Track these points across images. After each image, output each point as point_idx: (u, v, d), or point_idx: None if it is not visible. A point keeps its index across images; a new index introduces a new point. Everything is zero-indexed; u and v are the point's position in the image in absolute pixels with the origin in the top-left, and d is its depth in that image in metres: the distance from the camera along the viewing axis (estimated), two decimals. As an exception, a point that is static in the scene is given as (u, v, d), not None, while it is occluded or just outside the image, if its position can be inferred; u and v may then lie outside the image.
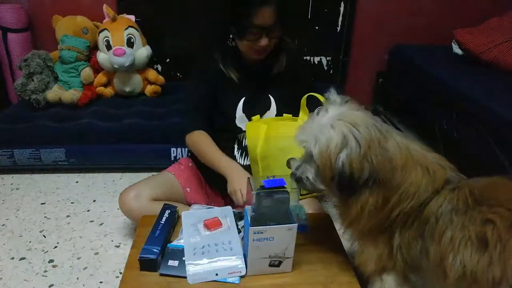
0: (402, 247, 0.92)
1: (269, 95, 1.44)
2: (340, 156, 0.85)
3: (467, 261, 0.82)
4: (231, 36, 1.37)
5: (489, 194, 0.85)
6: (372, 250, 0.96)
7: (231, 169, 1.28)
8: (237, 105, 1.42)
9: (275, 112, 1.44)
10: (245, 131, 1.40)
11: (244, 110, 1.43)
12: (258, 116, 1.41)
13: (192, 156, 1.63)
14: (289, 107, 1.41)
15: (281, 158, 1.27)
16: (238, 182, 1.23)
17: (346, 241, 1.08)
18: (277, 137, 1.28)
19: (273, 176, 0.98)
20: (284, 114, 1.42)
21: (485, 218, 0.82)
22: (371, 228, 0.94)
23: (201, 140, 1.38)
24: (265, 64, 1.42)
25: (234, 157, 1.43)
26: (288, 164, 1.04)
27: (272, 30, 1.29)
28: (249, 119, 1.42)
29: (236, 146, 1.45)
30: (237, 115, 1.43)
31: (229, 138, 1.45)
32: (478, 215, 0.83)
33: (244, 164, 1.42)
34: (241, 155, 1.44)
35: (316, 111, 0.94)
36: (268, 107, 1.43)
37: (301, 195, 1.27)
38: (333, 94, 0.96)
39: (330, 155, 0.86)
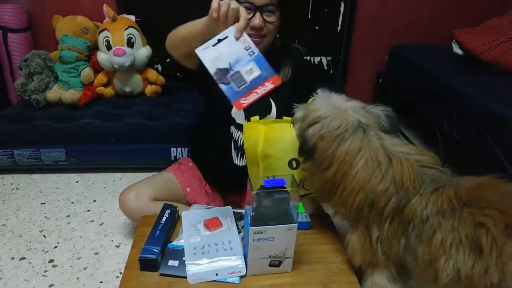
0: (382, 241, 0.94)
1: (270, 99, 1.44)
2: (310, 129, 1.00)
3: (461, 265, 0.81)
4: None
5: (478, 195, 0.84)
6: (356, 241, 1.00)
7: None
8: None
9: (275, 116, 1.44)
10: (240, 130, 1.40)
11: (244, 111, 1.43)
12: (257, 117, 1.40)
13: (192, 156, 1.63)
14: (289, 112, 1.41)
15: (282, 157, 1.27)
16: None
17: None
18: (278, 138, 1.28)
19: (273, 176, 0.98)
20: (284, 117, 1.42)
21: (477, 221, 0.80)
22: (346, 215, 1.01)
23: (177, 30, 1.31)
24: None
25: (231, 158, 1.43)
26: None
27: (266, 10, 1.28)
28: (247, 118, 1.42)
29: (232, 146, 1.44)
30: (235, 116, 1.43)
31: (227, 141, 1.44)
32: (468, 217, 0.82)
33: (241, 165, 1.42)
34: (237, 155, 1.43)
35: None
36: (268, 111, 1.43)
37: (300, 196, 1.28)
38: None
39: (307, 119, 1.03)
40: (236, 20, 1.02)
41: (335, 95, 1.07)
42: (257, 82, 0.97)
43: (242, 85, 0.97)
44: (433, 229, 0.85)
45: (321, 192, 1.07)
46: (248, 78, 0.98)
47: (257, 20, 1.27)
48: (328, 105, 1.02)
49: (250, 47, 1.00)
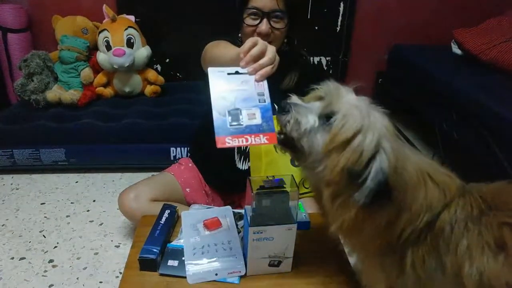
0: (416, 264, 0.85)
1: (275, 104, 1.43)
2: (376, 163, 0.75)
3: (483, 268, 0.77)
4: (239, 35, 1.36)
5: (501, 199, 0.82)
6: (379, 273, 0.89)
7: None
8: None
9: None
10: None
11: None
12: None
13: (192, 156, 1.63)
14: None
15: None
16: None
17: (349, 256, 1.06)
18: None
19: (273, 176, 0.98)
20: None
21: (502, 221, 0.78)
22: (379, 248, 0.86)
23: (216, 44, 1.24)
24: (276, 76, 1.41)
25: (234, 161, 1.43)
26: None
27: (274, 16, 1.26)
28: None
29: (236, 150, 1.44)
30: None
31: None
32: (493, 220, 0.79)
33: (243, 168, 1.42)
34: (240, 159, 1.43)
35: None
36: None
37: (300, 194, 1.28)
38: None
39: (360, 153, 0.75)
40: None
41: (348, 93, 0.87)
42: (253, 130, 0.87)
43: (236, 124, 0.87)
44: (461, 234, 0.81)
45: (352, 231, 0.85)
46: (246, 121, 0.87)
47: (264, 26, 1.26)
48: (362, 116, 0.79)
49: (264, 94, 0.91)
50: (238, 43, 1.33)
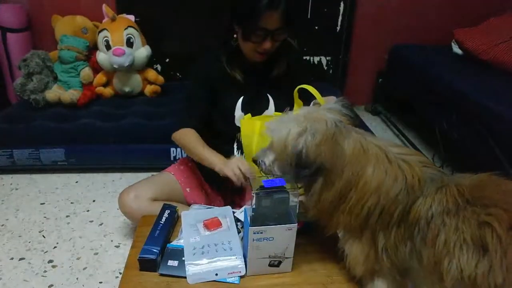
0: (388, 248, 0.91)
1: (268, 95, 1.44)
2: (298, 143, 0.91)
3: (464, 265, 0.79)
4: (234, 36, 1.37)
5: (480, 193, 0.83)
6: (359, 252, 0.95)
7: (217, 159, 1.28)
8: (236, 104, 1.42)
9: (273, 112, 1.44)
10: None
11: (243, 109, 1.43)
12: (249, 114, 1.41)
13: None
14: (287, 107, 1.41)
15: None
16: (228, 165, 1.22)
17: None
18: None
19: (273, 175, 0.98)
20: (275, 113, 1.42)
21: (482, 220, 0.79)
22: (353, 230, 0.94)
23: (185, 137, 1.39)
24: (266, 64, 1.42)
25: (231, 155, 1.43)
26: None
27: (277, 33, 1.29)
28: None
29: (235, 146, 1.45)
30: (236, 114, 1.43)
31: (229, 140, 1.45)
32: (472, 216, 0.80)
33: None
34: (240, 155, 1.44)
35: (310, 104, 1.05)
36: (266, 107, 1.43)
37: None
38: (336, 103, 1.03)
39: (287, 143, 0.93)
40: None
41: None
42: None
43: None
44: (437, 229, 0.83)
45: (325, 212, 0.96)
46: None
47: (267, 45, 1.29)
48: (297, 116, 0.97)
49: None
50: (232, 49, 1.37)
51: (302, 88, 1.24)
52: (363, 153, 0.90)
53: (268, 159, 1.02)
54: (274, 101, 1.44)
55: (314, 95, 1.26)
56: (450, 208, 0.83)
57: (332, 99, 1.28)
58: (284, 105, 1.45)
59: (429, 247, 0.84)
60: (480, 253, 0.78)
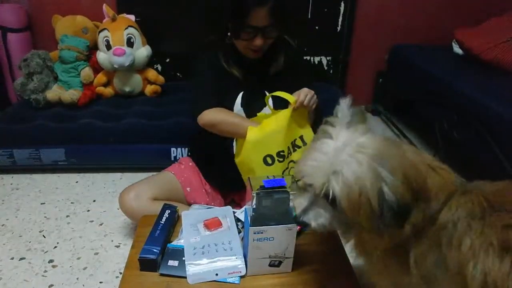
0: (418, 261, 0.86)
1: (266, 92, 1.45)
2: (384, 191, 0.77)
3: (488, 269, 0.77)
4: (228, 34, 1.38)
5: (504, 199, 0.82)
6: (385, 272, 0.92)
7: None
8: (235, 100, 1.43)
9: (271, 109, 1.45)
10: None
11: (242, 105, 1.44)
12: (263, 113, 1.41)
13: (192, 155, 1.63)
14: (285, 105, 1.42)
15: (254, 159, 1.32)
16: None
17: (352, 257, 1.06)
18: (245, 141, 1.32)
19: (273, 176, 0.98)
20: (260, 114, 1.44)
21: (506, 223, 0.78)
22: (386, 250, 0.88)
23: (216, 115, 1.38)
24: (264, 61, 1.43)
25: (231, 154, 1.43)
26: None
27: (267, 30, 1.30)
28: (247, 115, 1.43)
29: (234, 144, 1.45)
30: (235, 110, 1.44)
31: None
32: (497, 220, 0.79)
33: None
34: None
35: (319, 137, 0.84)
36: (265, 104, 1.44)
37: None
38: (343, 109, 0.87)
39: (365, 194, 0.77)
40: None
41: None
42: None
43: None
44: (464, 232, 0.81)
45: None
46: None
47: (258, 41, 1.31)
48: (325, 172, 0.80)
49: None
50: (229, 42, 1.39)
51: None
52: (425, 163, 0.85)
53: (326, 219, 0.85)
54: (272, 99, 1.45)
55: (287, 98, 1.29)
56: (475, 212, 0.82)
57: (303, 91, 1.30)
58: (282, 103, 1.46)
59: (454, 250, 0.82)
60: (504, 256, 0.77)
